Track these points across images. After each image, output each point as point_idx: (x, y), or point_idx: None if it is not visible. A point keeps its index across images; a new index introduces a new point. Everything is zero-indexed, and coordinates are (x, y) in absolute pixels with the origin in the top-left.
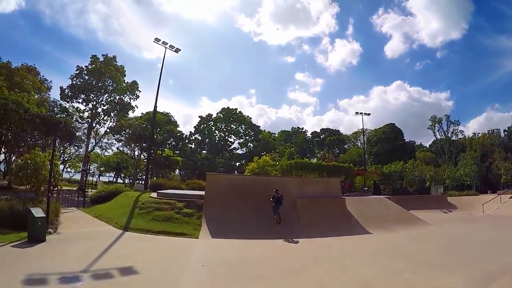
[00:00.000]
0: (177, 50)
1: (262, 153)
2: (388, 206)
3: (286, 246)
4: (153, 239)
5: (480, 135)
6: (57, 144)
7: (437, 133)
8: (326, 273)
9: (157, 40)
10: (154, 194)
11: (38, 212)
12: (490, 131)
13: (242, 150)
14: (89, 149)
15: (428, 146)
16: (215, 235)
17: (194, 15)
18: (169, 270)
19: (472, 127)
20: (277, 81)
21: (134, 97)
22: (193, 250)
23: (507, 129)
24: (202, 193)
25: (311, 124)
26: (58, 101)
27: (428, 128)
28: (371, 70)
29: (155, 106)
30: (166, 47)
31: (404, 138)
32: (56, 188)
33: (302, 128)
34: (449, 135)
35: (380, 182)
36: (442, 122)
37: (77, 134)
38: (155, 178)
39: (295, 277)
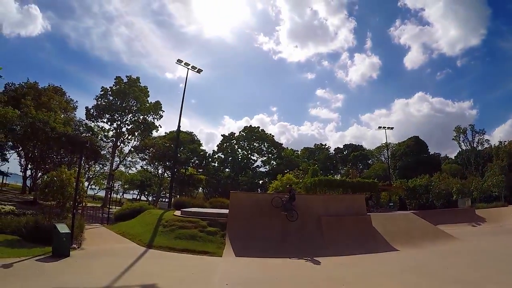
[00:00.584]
0: (199, 71)
1: (285, 171)
2: (415, 222)
3: (311, 265)
4: (177, 257)
5: (506, 143)
6: (82, 162)
7: (462, 143)
8: None
9: (179, 61)
10: (177, 212)
11: (63, 228)
12: None
13: (265, 168)
14: (113, 167)
15: (453, 157)
16: (239, 253)
17: (214, 36)
18: None
19: (498, 135)
20: (298, 98)
21: (158, 117)
22: (216, 268)
23: None
24: (226, 211)
25: (334, 140)
26: (84, 120)
27: (453, 139)
28: (391, 83)
29: (179, 126)
30: (188, 68)
31: (429, 150)
32: (81, 205)
33: (325, 145)
34: (475, 145)
35: (406, 197)
36: (467, 132)
37: (102, 152)
38: (178, 196)
39: None
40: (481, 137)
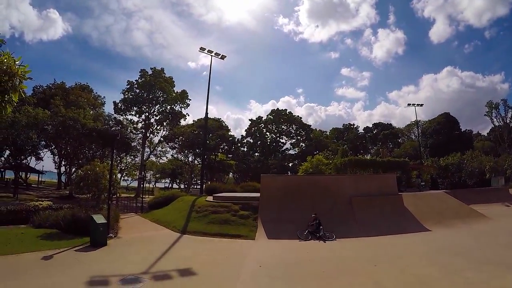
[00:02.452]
0: (222, 57)
1: (315, 152)
2: (446, 201)
3: (343, 246)
4: (210, 241)
5: None
6: (114, 154)
7: (495, 119)
8: (384, 273)
9: (202, 49)
10: (209, 198)
11: (99, 219)
12: None
13: (294, 150)
14: (144, 158)
15: (486, 134)
16: (271, 236)
17: (234, 22)
18: (227, 272)
19: None
20: (323, 78)
21: (185, 105)
22: (249, 251)
23: None
24: (257, 195)
25: (362, 120)
26: (113, 114)
27: (485, 115)
28: (418, 58)
29: (206, 113)
30: (212, 55)
31: (460, 127)
32: (115, 196)
33: (353, 125)
34: (508, 121)
35: (438, 175)
36: (499, 107)
37: (133, 144)
38: (209, 182)
39: (353, 277)
40: None
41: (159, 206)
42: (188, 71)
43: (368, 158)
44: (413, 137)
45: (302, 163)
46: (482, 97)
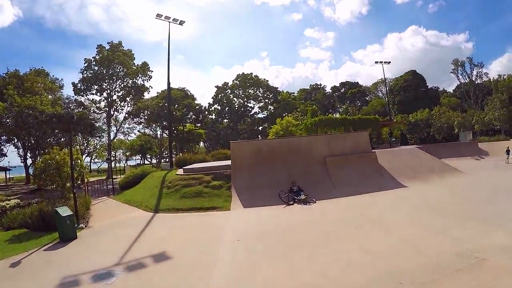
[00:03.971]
0: (181, 23)
1: (284, 114)
2: (420, 156)
3: (322, 209)
4: (184, 217)
5: (505, 76)
6: (79, 137)
7: (461, 77)
8: (368, 235)
9: (159, 16)
10: (180, 171)
11: (65, 211)
12: None
13: (263, 114)
14: (111, 137)
15: (452, 91)
16: (247, 204)
17: None
18: (203, 251)
19: (495, 69)
20: (287, 40)
21: (147, 78)
22: (226, 224)
23: None
24: (229, 163)
25: (329, 80)
26: (73, 96)
27: (451, 72)
28: (383, 17)
29: (168, 82)
30: (169, 21)
31: (427, 84)
32: (84, 182)
33: (320, 85)
34: (473, 79)
35: (407, 131)
36: (465, 65)
37: (97, 124)
38: (180, 154)
39: (337, 242)
40: (479, 70)
41: (130, 185)
42: (150, 44)
43: (338, 116)
44: (380, 94)
45: (272, 126)
46: (446, 55)
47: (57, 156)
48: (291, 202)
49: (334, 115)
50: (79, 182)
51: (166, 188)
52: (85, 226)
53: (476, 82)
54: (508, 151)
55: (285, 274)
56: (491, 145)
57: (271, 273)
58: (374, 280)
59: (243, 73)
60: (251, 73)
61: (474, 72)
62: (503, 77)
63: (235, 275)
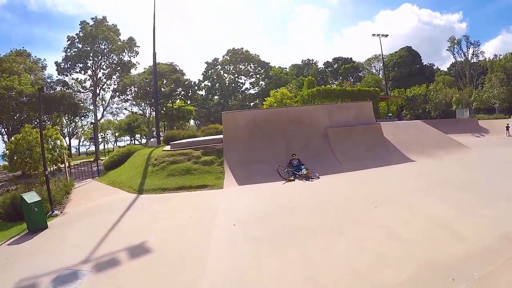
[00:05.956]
0: None
1: (276, 90)
2: (425, 130)
3: (328, 185)
4: (172, 198)
5: (501, 56)
6: (65, 119)
7: (457, 55)
8: (391, 216)
9: None
10: (167, 147)
11: (32, 197)
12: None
13: (255, 90)
14: (98, 117)
15: (446, 69)
16: (242, 181)
17: None
18: (192, 240)
19: (488, 50)
20: (279, 17)
21: (134, 54)
22: (219, 204)
23: None
24: (221, 137)
25: (321, 56)
26: (57, 76)
27: (447, 49)
28: None
29: (154, 53)
30: None
31: (422, 61)
32: (64, 164)
33: (313, 60)
34: (469, 57)
35: (404, 107)
36: (461, 43)
37: (83, 104)
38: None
39: (357, 226)
40: (476, 49)
41: (116, 165)
42: (139, 18)
43: (336, 87)
44: (374, 70)
45: (266, 99)
46: (439, 34)
47: (30, 136)
48: (291, 178)
49: (332, 86)
50: (59, 164)
51: (152, 166)
52: (60, 213)
53: (472, 61)
54: (507, 127)
55: (299, 271)
56: (491, 123)
57: (280, 271)
58: (416, 275)
59: (233, 48)
60: (242, 48)
61: (470, 51)
62: (499, 57)
63: (234, 275)
